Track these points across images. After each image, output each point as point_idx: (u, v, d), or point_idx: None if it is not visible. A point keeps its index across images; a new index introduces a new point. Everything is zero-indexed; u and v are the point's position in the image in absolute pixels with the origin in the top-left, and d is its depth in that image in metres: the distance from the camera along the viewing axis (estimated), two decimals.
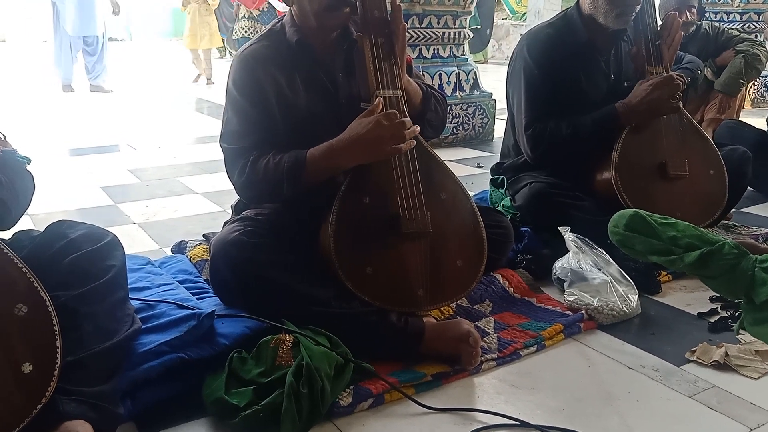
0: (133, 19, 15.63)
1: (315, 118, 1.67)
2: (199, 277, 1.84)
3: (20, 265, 1.19)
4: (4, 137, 1.55)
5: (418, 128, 1.59)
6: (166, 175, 3.50)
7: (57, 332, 1.19)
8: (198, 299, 1.65)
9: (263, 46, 1.69)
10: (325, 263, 1.56)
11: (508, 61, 2.34)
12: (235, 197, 1.95)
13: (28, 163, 1.51)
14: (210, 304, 1.60)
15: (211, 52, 7.88)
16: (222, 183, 3.30)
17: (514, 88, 2.17)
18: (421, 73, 1.97)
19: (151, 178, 3.42)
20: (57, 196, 2.96)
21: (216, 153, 3.93)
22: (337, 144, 1.56)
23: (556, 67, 2.08)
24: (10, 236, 1.43)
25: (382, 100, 1.58)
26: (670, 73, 2.08)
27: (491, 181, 2.37)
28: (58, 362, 1.18)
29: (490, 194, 2.35)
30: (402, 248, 1.55)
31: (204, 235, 2.06)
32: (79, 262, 1.35)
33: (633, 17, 2.09)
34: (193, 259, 1.94)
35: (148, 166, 3.69)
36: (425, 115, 1.72)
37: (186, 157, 3.95)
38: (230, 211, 2.72)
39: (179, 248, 2.07)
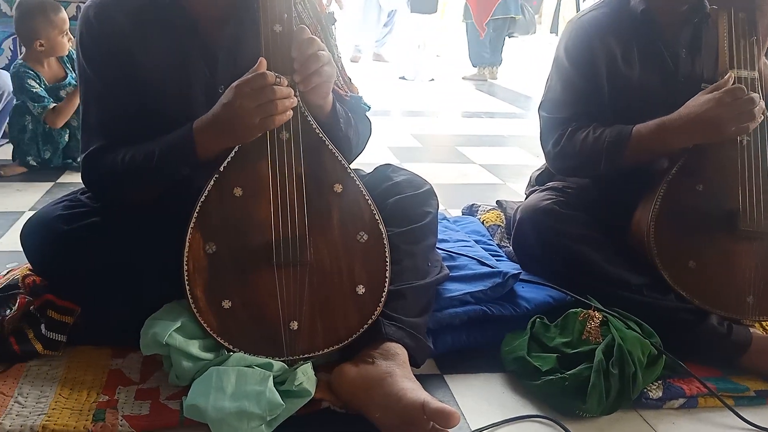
0: None
1: (647, 94, 1.57)
2: (491, 240, 1.87)
3: (367, 198, 1.30)
4: (350, 80, 1.70)
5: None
6: (444, 143, 3.63)
7: (387, 262, 1.29)
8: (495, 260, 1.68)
9: (603, 14, 1.63)
10: (639, 247, 1.47)
11: None
12: (535, 168, 1.94)
13: (368, 110, 1.64)
14: (507, 267, 1.61)
15: None
16: (498, 156, 3.35)
17: None
18: None
19: (431, 144, 3.58)
20: None
21: (490, 128, 4.07)
22: (669, 122, 1.45)
23: None
24: None
25: (733, 79, 1.43)
26: None
27: None
28: (385, 289, 1.28)
29: None
30: (734, 247, 1.41)
31: (497, 202, 2.08)
32: (401, 204, 1.43)
33: None
34: (486, 222, 1.98)
35: (427, 133, 3.86)
36: None
37: (461, 129, 4.06)
38: (511, 185, 2.79)
39: (470, 210, 2.12)
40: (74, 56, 2.62)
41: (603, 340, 1.27)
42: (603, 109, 1.58)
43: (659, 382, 1.28)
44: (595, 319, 1.32)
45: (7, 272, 1.53)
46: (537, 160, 3.15)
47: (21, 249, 1.40)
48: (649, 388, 1.26)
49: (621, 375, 1.21)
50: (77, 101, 2.61)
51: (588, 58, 1.58)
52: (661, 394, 1.26)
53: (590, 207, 1.57)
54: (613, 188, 1.58)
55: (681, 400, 1.27)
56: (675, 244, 1.42)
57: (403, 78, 5.96)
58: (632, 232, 1.50)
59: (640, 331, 1.31)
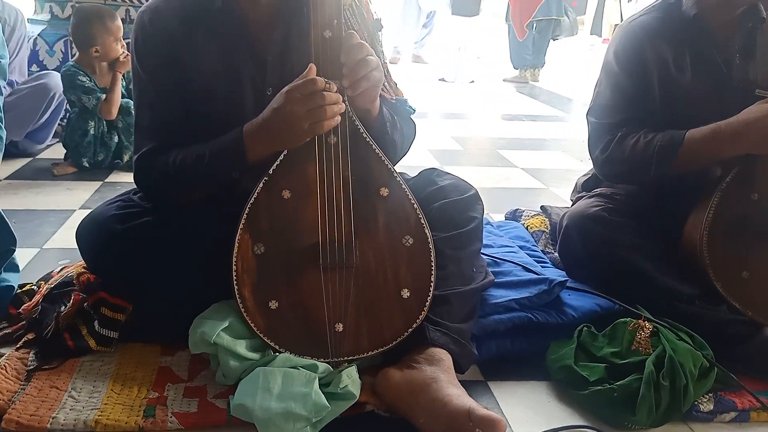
0: None
1: (699, 100, 1.54)
2: (536, 246, 1.85)
3: (413, 202, 1.30)
4: (396, 86, 1.70)
5: None
6: (486, 146, 3.61)
7: (433, 266, 1.29)
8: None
9: (654, 18, 1.60)
10: (691, 257, 1.44)
11: None
12: (578, 172, 1.91)
13: (413, 113, 1.65)
14: (552, 273, 1.59)
15: None
16: (540, 160, 3.31)
17: None
18: None
19: (472, 147, 3.56)
20: None
21: (531, 131, 4.03)
22: (725, 127, 1.42)
23: None
24: None
25: None
26: None
27: None
28: (430, 294, 1.28)
29: None
30: None
31: (542, 207, 2.05)
32: (446, 209, 1.42)
33: None
34: (530, 228, 1.96)
35: (468, 136, 3.85)
36: None
37: (502, 131, 4.02)
38: (554, 189, 2.75)
39: (514, 215, 2.10)
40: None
41: (653, 351, 1.25)
42: (653, 115, 1.55)
43: (710, 394, 1.26)
44: (645, 329, 1.29)
45: (61, 269, 1.58)
46: (580, 165, 3.11)
47: (72, 246, 1.44)
48: (700, 401, 1.24)
49: (672, 387, 1.19)
50: (119, 87, 2.68)
51: (639, 63, 1.56)
52: (712, 407, 1.24)
53: (640, 214, 1.54)
54: (664, 195, 1.55)
55: (732, 414, 1.24)
56: (728, 254, 1.39)
57: (442, 80, 5.94)
58: (684, 240, 1.47)
59: (691, 343, 1.28)
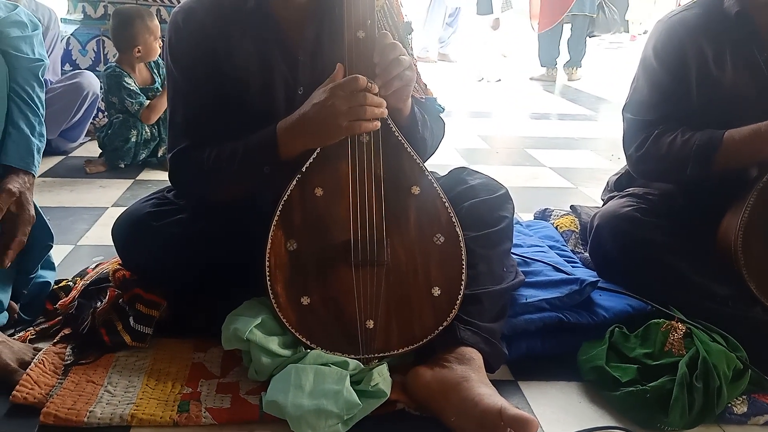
0: None
1: (739, 99, 1.51)
2: (565, 246, 1.84)
3: (444, 200, 1.31)
4: (426, 86, 1.70)
5: None
6: (513, 145, 3.59)
7: (464, 265, 1.29)
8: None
9: (695, 15, 1.57)
10: (725, 257, 1.42)
11: None
12: (607, 171, 1.89)
13: (442, 111, 1.64)
14: (583, 274, 1.58)
15: None
16: (569, 159, 3.28)
17: None
18: None
19: (499, 146, 3.54)
20: None
21: (559, 130, 3.99)
22: (765, 128, 1.39)
23: None
24: None
25: None
26: None
27: None
28: (461, 292, 1.28)
29: None
30: None
31: (571, 207, 2.04)
32: (476, 208, 1.42)
33: None
34: (560, 228, 1.94)
35: (495, 135, 3.83)
36: None
37: (529, 130, 3.99)
38: (583, 189, 2.73)
39: (543, 215, 2.09)
40: (161, 61, 2.74)
41: (686, 352, 1.23)
42: (691, 112, 1.53)
43: (744, 397, 1.25)
44: (678, 330, 1.28)
45: (96, 266, 1.61)
46: (610, 164, 3.08)
47: (105, 243, 1.47)
48: (733, 403, 1.23)
49: (705, 389, 1.18)
50: (165, 96, 2.71)
51: (678, 59, 1.53)
52: (745, 409, 1.23)
53: (673, 214, 1.53)
54: (698, 195, 1.53)
55: (767, 417, 1.23)
56: (763, 255, 1.37)
57: (468, 78, 5.93)
58: (718, 241, 1.45)
59: (725, 344, 1.26)
